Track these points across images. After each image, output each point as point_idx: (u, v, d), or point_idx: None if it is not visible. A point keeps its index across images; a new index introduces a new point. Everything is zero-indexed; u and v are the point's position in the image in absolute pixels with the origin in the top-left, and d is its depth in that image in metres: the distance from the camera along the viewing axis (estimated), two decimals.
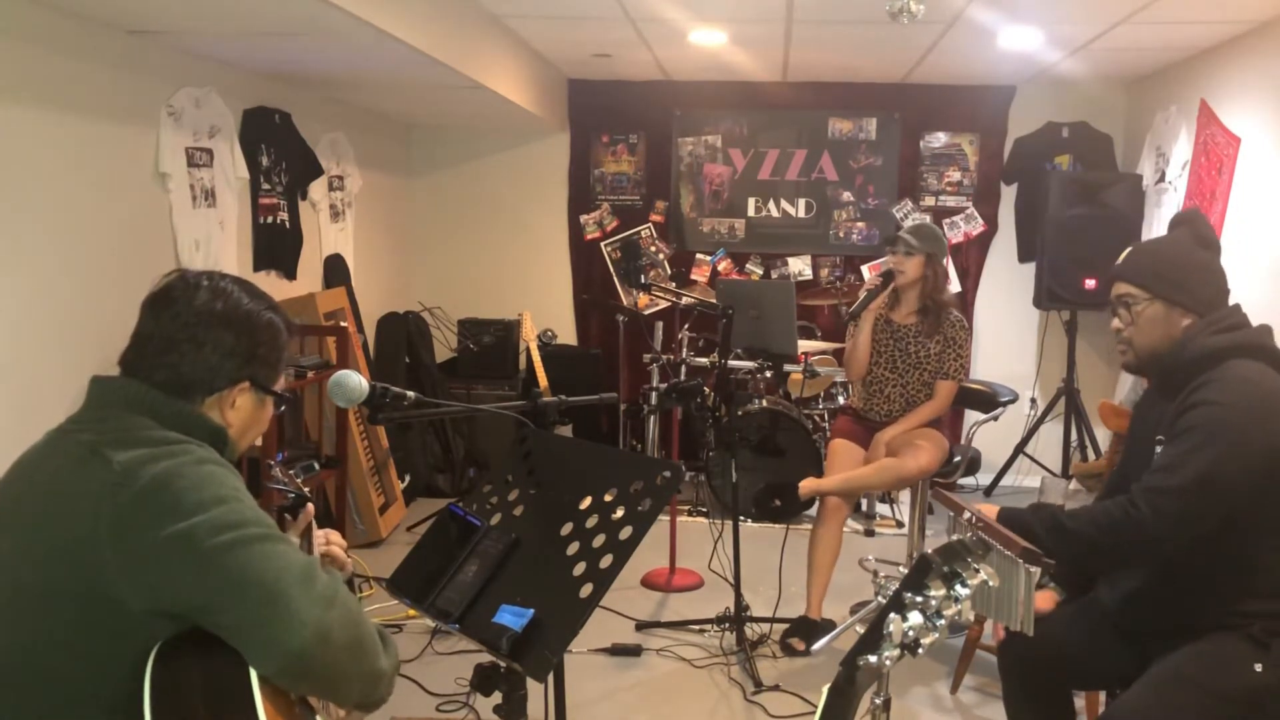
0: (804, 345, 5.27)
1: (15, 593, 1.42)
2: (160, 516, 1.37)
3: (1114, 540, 2.13)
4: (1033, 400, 5.91)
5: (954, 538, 1.46)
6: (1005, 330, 6.05)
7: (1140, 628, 2.24)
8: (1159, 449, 2.19)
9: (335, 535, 1.96)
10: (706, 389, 3.87)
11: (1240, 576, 2.11)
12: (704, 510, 5.39)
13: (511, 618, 1.73)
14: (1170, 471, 2.08)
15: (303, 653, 1.36)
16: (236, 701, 1.38)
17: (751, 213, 6.18)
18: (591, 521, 1.83)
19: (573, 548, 1.81)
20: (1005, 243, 6.05)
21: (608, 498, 1.85)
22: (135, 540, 1.37)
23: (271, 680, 1.40)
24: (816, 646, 3.62)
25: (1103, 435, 5.52)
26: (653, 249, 6.26)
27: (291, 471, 1.98)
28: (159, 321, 1.55)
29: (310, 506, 1.90)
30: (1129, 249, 2.34)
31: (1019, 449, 5.81)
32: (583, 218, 6.29)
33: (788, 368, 5.25)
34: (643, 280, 6.08)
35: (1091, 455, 5.61)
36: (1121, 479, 2.40)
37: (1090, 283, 5.35)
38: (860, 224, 6.11)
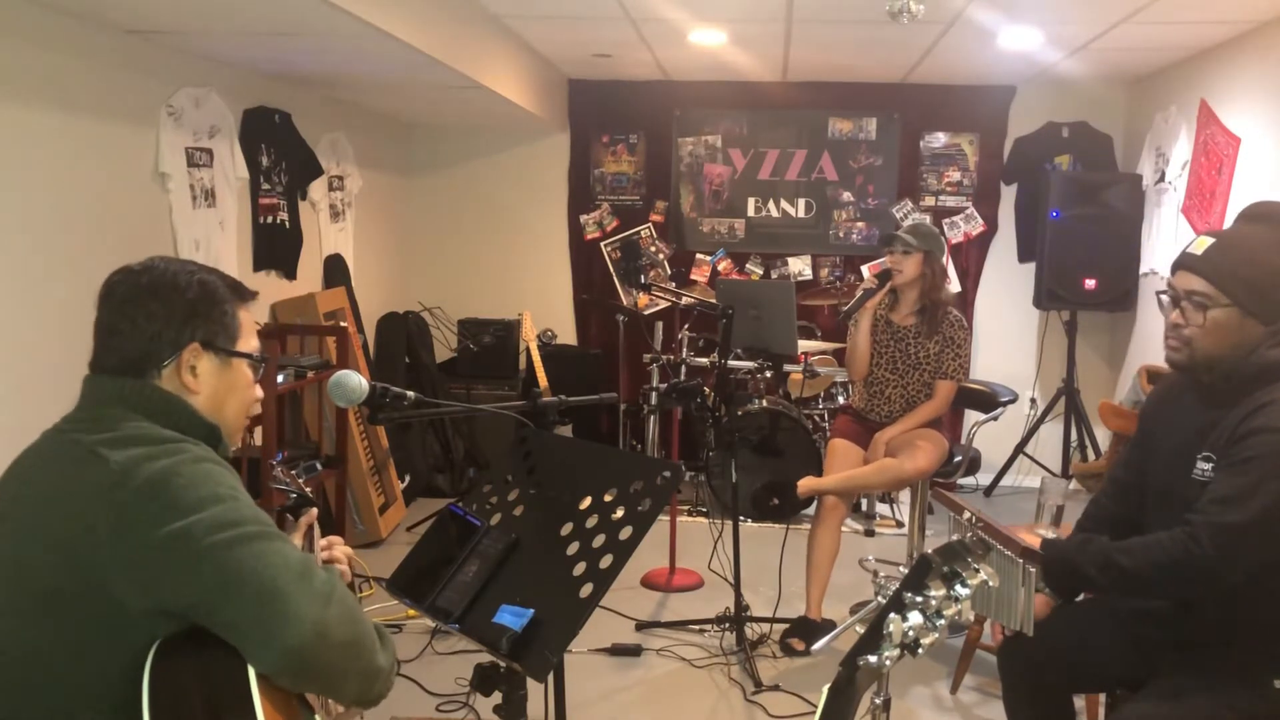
0: (804, 345, 5.27)
1: (14, 593, 1.42)
2: (158, 515, 1.37)
3: (1175, 579, 2.01)
4: (1033, 400, 5.91)
5: (954, 538, 1.46)
6: (1005, 330, 6.05)
7: (1154, 637, 2.19)
8: (1201, 463, 2.09)
9: (338, 541, 1.95)
10: (706, 389, 3.87)
11: (1266, 593, 2.04)
12: (704, 510, 5.39)
13: (511, 618, 1.73)
14: (1233, 505, 1.96)
15: (301, 650, 1.36)
16: (235, 700, 1.38)
17: (751, 213, 6.18)
18: (591, 521, 1.83)
19: (573, 548, 1.81)
20: (1005, 243, 6.05)
21: (608, 498, 1.85)
22: (133, 539, 1.37)
23: (270, 678, 1.40)
24: (816, 646, 3.62)
25: (1103, 435, 5.52)
26: (653, 249, 6.26)
27: (294, 472, 1.97)
28: (101, 313, 1.58)
29: (314, 510, 1.89)
30: (1209, 240, 2.11)
31: (1019, 449, 5.81)
32: (583, 218, 6.29)
33: (788, 368, 5.25)
34: (643, 280, 6.08)
35: (1091, 455, 5.61)
36: (1137, 476, 2.32)
37: (1090, 283, 5.36)
38: (860, 224, 6.11)
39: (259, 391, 1.70)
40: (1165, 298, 2.17)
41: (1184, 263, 2.12)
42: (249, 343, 1.65)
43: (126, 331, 1.55)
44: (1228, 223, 4.41)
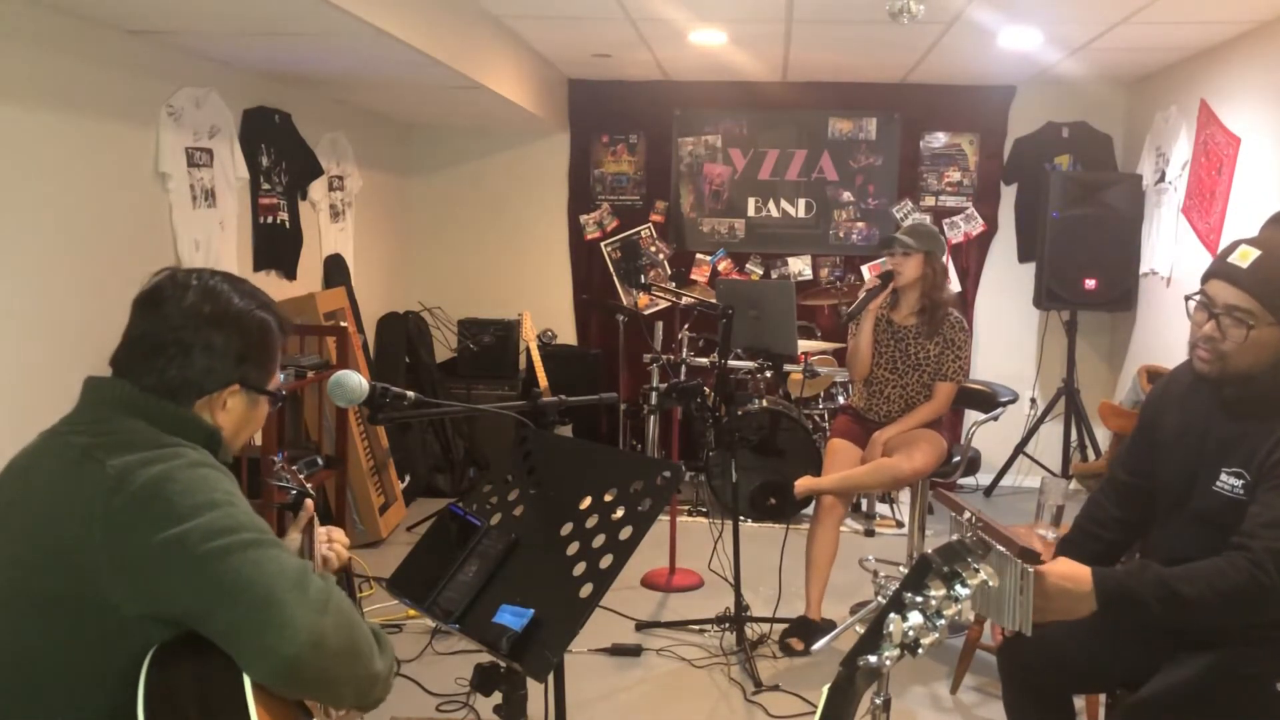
0: (804, 345, 5.27)
1: (9, 596, 1.41)
2: (154, 521, 1.37)
3: (1239, 607, 1.93)
4: (1033, 400, 5.91)
5: (954, 538, 1.46)
6: (1005, 330, 6.05)
7: (1154, 638, 2.17)
8: (1228, 477, 2.05)
9: (338, 533, 1.96)
10: (706, 389, 3.87)
11: None
12: (704, 510, 5.39)
13: (511, 618, 1.73)
14: None
15: (296, 658, 1.35)
16: (230, 707, 1.37)
17: (751, 213, 6.18)
18: (591, 521, 1.83)
19: (573, 548, 1.81)
20: (1005, 243, 6.05)
21: (608, 498, 1.85)
22: (129, 545, 1.36)
23: (265, 686, 1.39)
24: (816, 646, 3.61)
25: (1103, 435, 5.52)
26: (653, 249, 6.26)
27: (294, 467, 1.97)
28: (147, 323, 1.53)
29: (310, 502, 1.89)
30: (1254, 252, 1.99)
31: (1019, 449, 5.81)
32: (583, 218, 6.28)
33: (788, 368, 5.25)
34: (643, 280, 6.08)
35: (1091, 455, 5.61)
36: (1143, 479, 2.29)
37: (1090, 283, 5.36)
38: (860, 224, 6.11)
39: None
40: (1193, 303, 2.08)
41: (1226, 274, 2.01)
42: (276, 379, 1.67)
43: (177, 357, 1.52)
44: (1229, 223, 4.42)
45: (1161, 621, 2.00)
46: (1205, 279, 2.07)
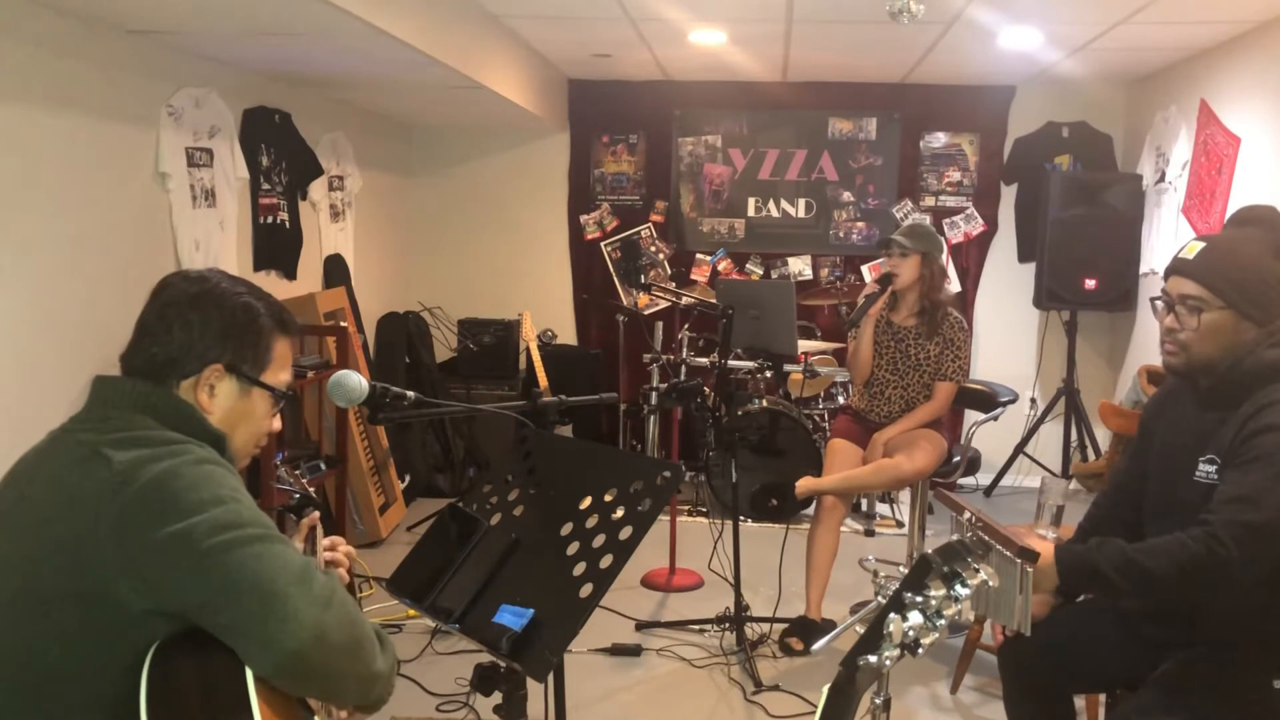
0: (804, 345, 5.27)
1: (15, 592, 1.42)
2: (159, 516, 1.37)
3: (1197, 580, 1.95)
4: (1033, 400, 5.91)
5: (954, 538, 1.46)
6: (1005, 330, 6.05)
7: (1154, 636, 2.18)
8: (1203, 465, 2.08)
9: (342, 542, 1.95)
10: (706, 389, 3.87)
11: (1267, 593, 2.01)
12: (704, 510, 5.39)
13: (511, 618, 1.73)
14: (1252, 504, 1.93)
15: (299, 653, 1.36)
16: (232, 702, 1.37)
17: (751, 213, 6.18)
18: (591, 521, 1.83)
19: (573, 548, 1.81)
20: (1005, 243, 6.05)
21: (608, 498, 1.85)
22: (134, 540, 1.37)
23: (268, 681, 1.40)
24: (816, 646, 3.61)
25: (1102, 435, 5.53)
26: (653, 249, 6.26)
27: (297, 472, 1.97)
28: (144, 310, 1.58)
29: (316, 513, 1.89)
30: (1200, 244, 2.13)
31: (1019, 449, 5.81)
32: (583, 218, 6.28)
33: (788, 368, 5.25)
34: (643, 280, 6.08)
35: (1091, 455, 5.61)
36: (1138, 481, 2.32)
37: (1090, 283, 5.36)
38: (860, 224, 6.11)
39: (276, 424, 1.71)
40: (1159, 303, 2.18)
41: (1176, 268, 2.14)
42: (277, 376, 1.65)
43: (160, 336, 1.55)
44: None
45: (1126, 596, 2.05)
46: (1164, 277, 2.19)
